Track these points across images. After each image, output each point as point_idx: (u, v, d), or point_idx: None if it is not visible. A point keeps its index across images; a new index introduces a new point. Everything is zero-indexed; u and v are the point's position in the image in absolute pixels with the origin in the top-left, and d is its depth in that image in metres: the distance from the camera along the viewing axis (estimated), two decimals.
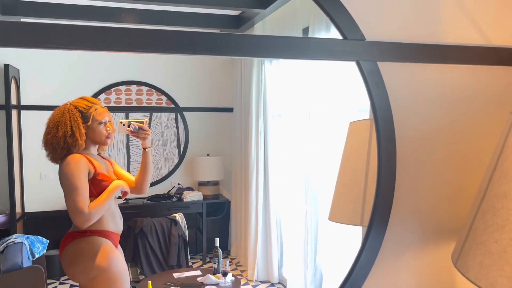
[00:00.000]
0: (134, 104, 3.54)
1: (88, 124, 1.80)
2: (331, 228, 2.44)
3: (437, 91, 1.19)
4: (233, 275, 2.80)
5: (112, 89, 3.43)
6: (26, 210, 2.99)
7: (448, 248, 1.23)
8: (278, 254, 3.45)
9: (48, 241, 2.55)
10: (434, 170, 1.21)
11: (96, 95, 3.32)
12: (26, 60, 2.95)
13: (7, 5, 1.91)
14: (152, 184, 3.43)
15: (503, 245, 0.80)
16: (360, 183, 1.28)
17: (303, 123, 2.84)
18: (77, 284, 1.81)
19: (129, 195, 1.91)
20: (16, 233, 2.64)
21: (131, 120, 1.90)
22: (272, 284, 3.42)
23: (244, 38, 1.02)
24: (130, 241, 3.03)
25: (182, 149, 3.72)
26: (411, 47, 1.13)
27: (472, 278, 0.84)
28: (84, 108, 1.80)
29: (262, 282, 3.47)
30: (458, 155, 1.22)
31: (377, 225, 1.15)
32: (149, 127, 1.97)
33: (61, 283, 2.84)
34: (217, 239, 2.89)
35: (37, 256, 2.41)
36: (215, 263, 2.82)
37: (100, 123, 1.83)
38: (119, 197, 1.88)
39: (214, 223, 3.95)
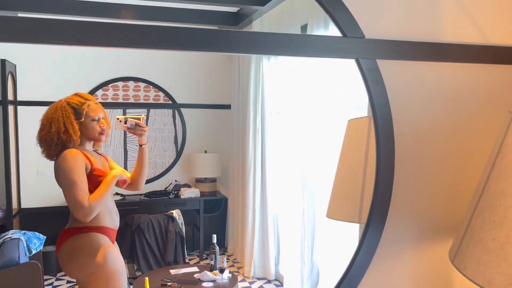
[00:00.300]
0: (132, 100, 3.52)
1: (81, 120, 1.79)
2: (328, 225, 2.44)
3: (435, 89, 1.19)
4: (230, 272, 2.81)
5: (110, 85, 3.41)
6: (23, 206, 2.98)
7: (445, 246, 1.23)
8: (275, 251, 3.46)
9: (45, 237, 2.54)
10: (432, 168, 1.21)
11: (93, 91, 3.30)
12: (23, 55, 2.93)
13: (4, 0, 1.89)
14: (149, 181, 3.42)
15: (500, 242, 0.81)
16: (358, 180, 1.28)
17: (301, 120, 2.83)
18: (74, 280, 1.81)
19: (126, 192, 1.91)
20: (12, 229, 2.63)
21: (128, 116, 1.89)
22: (269, 281, 3.43)
23: (244, 35, 1.02)
24: (127, 237, 3.03)
25: (179, 145, 3.71)
26: (410, 45, 1.13)
27: (470, 275, 0.85)
28: (77, 105, 1.79)
29: (258, 279, 3.47)
30: (456, 153, 1.23)
31: (375, 222, 1.15)
32: (146, 123, 1.96)
33: (57, 279, 2.83)
34: (214, 236, 2.89)
35: (34, 252, 2.40)
36: (212, 260, 2.83)
37: (93, 119, 1.82)
38: (116, 194, 1.87)
39: (211, 220, 3.95)
